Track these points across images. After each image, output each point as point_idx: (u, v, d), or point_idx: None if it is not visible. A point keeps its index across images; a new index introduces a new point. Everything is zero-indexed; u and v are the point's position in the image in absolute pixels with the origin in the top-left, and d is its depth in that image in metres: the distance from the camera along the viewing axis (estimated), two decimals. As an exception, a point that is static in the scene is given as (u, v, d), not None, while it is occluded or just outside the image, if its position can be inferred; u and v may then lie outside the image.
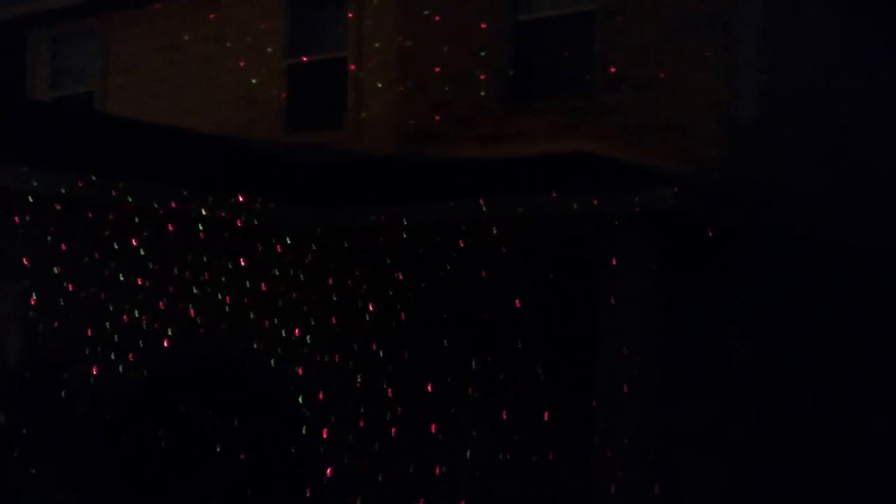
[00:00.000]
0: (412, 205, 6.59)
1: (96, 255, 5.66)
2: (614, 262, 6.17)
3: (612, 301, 6.19)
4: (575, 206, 6.13)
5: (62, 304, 5.54)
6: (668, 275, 6.06)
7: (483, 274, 7.05)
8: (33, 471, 5.07)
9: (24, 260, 5.39)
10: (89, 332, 5.68)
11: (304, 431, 6.65)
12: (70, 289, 5.56)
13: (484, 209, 6.29)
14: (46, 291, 5.48)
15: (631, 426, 6.10)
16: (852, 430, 7.33)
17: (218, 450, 5.84)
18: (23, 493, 5.08)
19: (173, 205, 5.78)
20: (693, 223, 6.12)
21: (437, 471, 7.03)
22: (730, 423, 6.08)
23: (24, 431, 5.22)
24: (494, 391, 7.05)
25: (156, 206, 5.77)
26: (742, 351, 6.11)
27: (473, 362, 7.02)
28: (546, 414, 6.73)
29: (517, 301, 6.87)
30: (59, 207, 5.51)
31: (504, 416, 6.87)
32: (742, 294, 6.26)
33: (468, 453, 7.03)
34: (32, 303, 5.40)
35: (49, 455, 5.31)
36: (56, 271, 5.50)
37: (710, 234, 6.13)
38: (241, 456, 5.93)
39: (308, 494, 6.46)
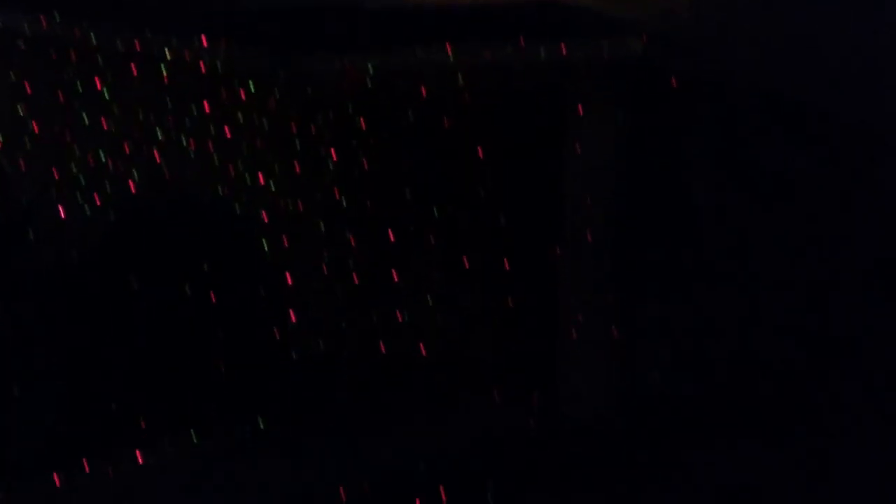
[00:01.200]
0: (377, 51, 6.47)
1: (60, 97, 5.51)
2: (580, 111, 6.15)
3: (578, 150, 6.19)
4: (543, 53, 6.06)
5: (27, 146, 5.40)
6: (633, 124, 6.05)
7: (447, 123, 7.00)
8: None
9: (-11, 100, 5.24)
10: (55, 175, 5.57)
11: (268, 277, 6.65)
12: (35, 130, 5.43)
13: (450, 56, 6.20)
14: (10, 133, 5.34)
15: (593, 273, 6.16)
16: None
17: (186, 292, 5.81)
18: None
19: (137, 46, 5.60)
20: (659, 73, 6.09)
21: (399, 317, 7.06)
22: (692, 272, 6.15)
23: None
24: (457, 240, 7.06)
25: (119, 46, 5.59)
26: (705, 200, 6.14)
27: (436, 210, 7.01)
28: (507, 262, 6.76)
29: (480, 150, 6.84)
30: (22, 47, 5.34)
31: (466, 265, 6.90)
32: (705, 144, 6.27)
33: (429, 300, 7.07)
34: (-2, 143, 5.28)
35: (17, 299, 5.24)
36: (20, 112, 5.35)
37: (675, 84, 6.11)
38: (210, 299, 5.91)
39: (276, 337, 6.49)
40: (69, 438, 5.04)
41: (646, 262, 6.28)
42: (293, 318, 6.73)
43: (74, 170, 5.58)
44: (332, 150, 6.89)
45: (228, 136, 6.28)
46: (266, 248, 6.53)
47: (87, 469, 4.91)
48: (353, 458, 5.44)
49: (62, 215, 5.53)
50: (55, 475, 4.75)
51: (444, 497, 4.93)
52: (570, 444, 5.84)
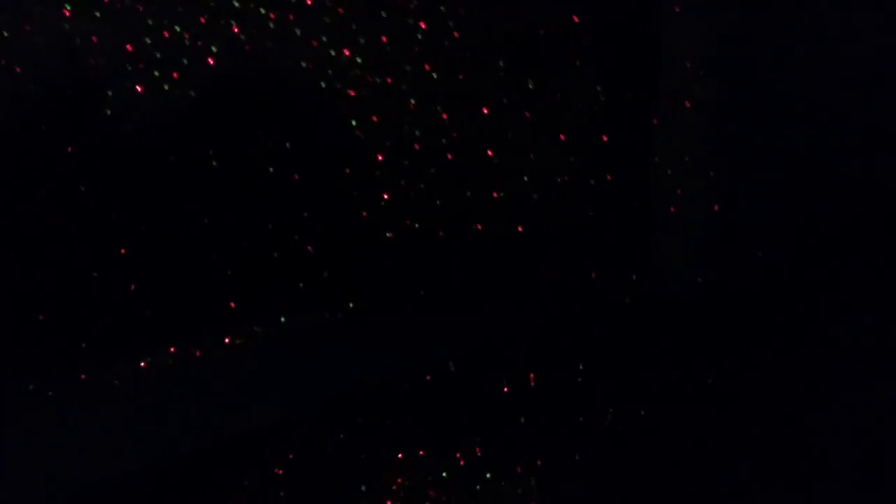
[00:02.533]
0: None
1: (131, -35, 5.25)
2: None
3: (677, 9, 5.72)
4: None
5: (98, 17, 5.16)
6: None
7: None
8: (81, 188, 4.82)
9: (56, -30, 4.99)
10: (129, 49, 5.33)
11: (358, 154, 6.37)
12: (105, 1, 5.18)
13: None
14: (79, 4, 5.10)
15: (693, 144, 5.75)
16: None
17: (271, 171, 5.57)
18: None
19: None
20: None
21: (495, 195, 6.75)
22: (809, 139, 5.65)
23: (70, 151, 4.95)
24: (552, 113, 6.69)
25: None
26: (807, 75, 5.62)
27: (530, 81, 6.62)
28: (605, 136, 6.38)
29: (574, 16, 6.41)
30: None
31: (562, 138, 6.53)
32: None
33: (525, 177, 6.73)
34: (66, 14, 5.04)
35: (96, 177, 5.05)
36: (89, -19, 5.11)
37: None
38: (295, 177, 5.66)
39: (364, 215, 6.23)
40: (151, 320, 4.90)
41: (754, 129, 5.84)
42: (385, 197, 6.47)
43: (149, 42, 5.34)
44: (421, 22, 6.53)
45: (309, 4, 5.96)
46: (354, 125, 6.25)
47: (172, 350, 4.78)
48: (442, 336, 5.21)
49: (138, 90, 5.31)
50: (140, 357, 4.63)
51: (532, 375, 4.69)
52: (667, 323, 5.52)
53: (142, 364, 4.61)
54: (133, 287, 4.82)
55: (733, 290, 5.47)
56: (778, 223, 5.62)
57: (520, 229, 6.87)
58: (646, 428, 4.52)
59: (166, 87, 5.37)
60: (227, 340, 4.86)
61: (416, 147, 7.12)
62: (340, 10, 6.19)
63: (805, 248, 5.56)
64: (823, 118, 5.66)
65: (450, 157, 7.19)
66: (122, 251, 4.87)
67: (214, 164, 5.22)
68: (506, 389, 4.58)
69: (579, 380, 4.76)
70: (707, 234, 5.55)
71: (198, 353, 4.71)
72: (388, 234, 6.57)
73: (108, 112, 5.07)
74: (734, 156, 5.55)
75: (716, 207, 5.48)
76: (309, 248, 5.36)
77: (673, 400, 4.63)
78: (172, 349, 4.66)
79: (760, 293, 5.46)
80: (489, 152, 7.20)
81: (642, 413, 4.50)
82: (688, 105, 5.45)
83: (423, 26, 6.63)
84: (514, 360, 4.97)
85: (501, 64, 6.93)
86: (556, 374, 4.84)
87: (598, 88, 6.58)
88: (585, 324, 5.33)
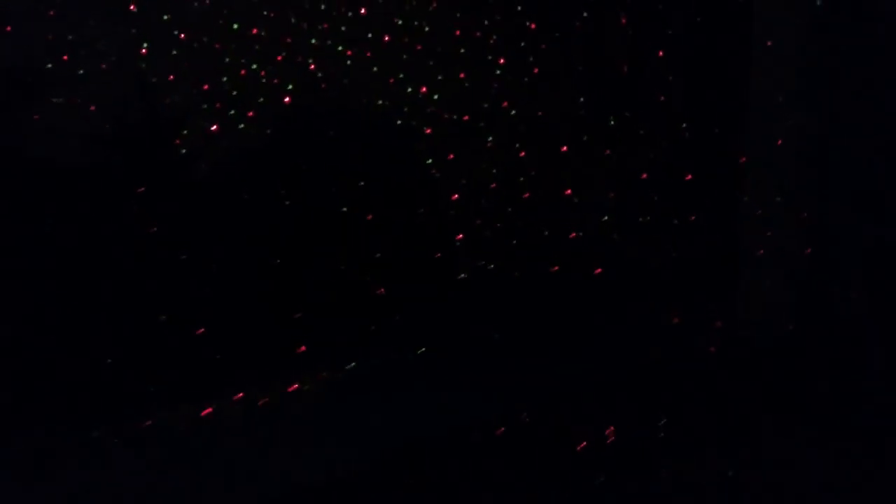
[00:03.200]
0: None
1: (206, 2, 5.16)
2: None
3: (769, 43, 5.49)
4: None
5: (174, 54, 5.08)
6: (831, 11, 5.31)
7: (623, 20, 6.38)
8: (153, 229, 4.72)
9: (131, 6, 4.92)
10: (206, 87, 5.24)
11: (434, 194, 6.22)
12: (182, 38, 5.09)
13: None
14: (157, 39, 5.02)
15: (784, 182, 5.51)
16: None
17: (344, 210, 5.44)
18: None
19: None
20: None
21: (573, 235, 6.55)
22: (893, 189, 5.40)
23: (142, 190, 4.86)
24: (634, 150, 6.48)
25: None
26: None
27: (611, 119, 6.43)
28: (689, 175, 6.16)
29: (660, 51, 6.21)
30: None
31: (644, 177, 6.32)
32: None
33: (605, 217, 6.53)
34: (143, 52, 4.96)
35: (171, 215, 4.95)
36: (165, 18, 5.03)
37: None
38: (368, 217, 5.52)
39: (437, 257, 6.07)
40: (218, 365, 4.77)
41: (847, 169, 5.57)
42: (459, 237, 6.30)
43: (225, 80, 5.24)
44: (501, 57, 6.37)
45: (387, 40, 5.84)
46: (430, 163, 6.10)
47: (240, 396, 4.64)
48: (517, 382, 5.01)
49: (213, 128, 5.21)
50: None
51: (612, 426, 4.47)
52: (752, 371, 5.26)
53: (206, 411, 4.48)
54: (201, 330, 4.70)
55: (824, 337, 5.21)
56: (871, 266, 5.35)
57: (597, 272, 6.67)
58: (733, 483, 4.29)
59: (241, 126, 5.28)
60: (294, 386, 4.72)
61: (493, 186, 6.97)
62: (419, 48, 6.06)
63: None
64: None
65: (527, 196, 7.02)
66: (193, 293, 4.76)
67: (287, 203, 5.10)
68: (583, 444, 4.37)
69: (661, 434, 4.53)
70: (797, 279, 5.30)
71: (263, 401, 4.57)
72: (461, 276, 6.40)
73: (183, 151, 4.98)
74: (827, 196, 5.30)
75: (808, 250, 5.23)
76: (381, 290, 5.21)
77: (759, 456, 4.39)
78: (240, 395, 4.53)
79: (851, 340, 5.19)
80: (568, 191, 7.02)
81: (729, 472, 4.27)
82: (779, 143, 5.22)
83: (501, 62, 6.48)
84: (591, 411, 4.75)
85: (582, 100, 6.76)
86: (636, 427, 4.61)
87: (683, 125, 6.37)
88: (667, 373, 5.10)
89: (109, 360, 4.36)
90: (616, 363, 5.35)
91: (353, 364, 4.99)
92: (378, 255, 5.42)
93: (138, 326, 4.61)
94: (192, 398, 4.39)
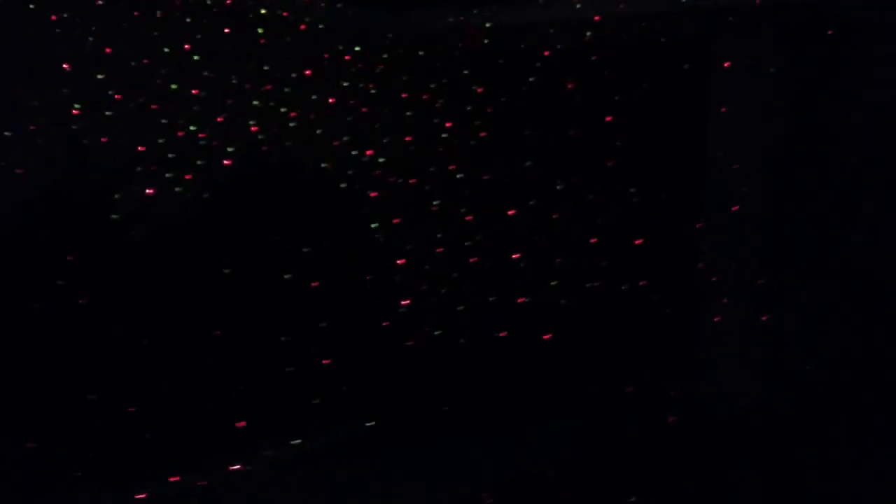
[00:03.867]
0: (496, 3, 5.75)
1: (145, 62, 4.91)
2: (727, 66, 5.33)
3: (723, 109, 5.37)
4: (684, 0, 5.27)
5: (109, 115, 4.82)
6: (787, 78, 5.20)
7: (571, 85, 6.24)
8: (83, 300, 4.42)
9: (65, 65, 4.65)
10: (141, 149, 4.97)
11: (378, 259, 5.99)
12: (117, 98, 4.83)
13: (578, 6, 5.44)
14: (90, 101, 4.75)
15: (739, 251, 5.36)
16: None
17: (287, 277, 5.18)
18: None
19: (228, 1, 4.97)
20: (818, 17, 5.21)
21: (521, 300, 6.35)
22: (856, 250, 5.27)
23: (74, 259, 4.56)
24: (583, 215, 6.31)
25: (209, 2, 4.96)
26: (872, 166, 5.25)
27: (560, 184, 6.27)
28: (640, 240, 6.00)
29: (608, 116, 6.07)
30: (100, 3, 4.73)
31: (594, 241, 6.15)
32: (879, 101, 5.35)
33: (554, 282, 6.34)
34: (75, 113, 4.69)
35: (104, 282, 4.66)
36: (100, 77, 4.76)
37: (831, 33, 5.26)
38: (313, 284, 5.27)
39: (385, 325, 5.82)
40: (157, 445, 4.45)
41: (801, 237, 5.45)
42: (405, 303, 6.07)
43: (162, 142, 4.98)
44: (447, 120, 6.19)
45: (332, 103, 5.63)
46: (375, 228, 5.88)
47: (175, 480, 4.33)
48: (467, 460, 4.76)
49: (149, 192, 4.94)
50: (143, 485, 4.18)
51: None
52: (713, 442, 5.07)
53: (140, 496, 4.17)
54: (136, 409, 4.40)
55: (783, 408, 5.04)
56: (828, 337, 5.21)
57: (546, 337, 6.46)
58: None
59: (179, 189, 5.02)
60: (234, 467, 4.42)
61: (439, 250, 6.76)
62: (364, 110, 5.86)
63: (856, 363, 5.15)
64: (878, 228, 5.28)
65: (474, 260, 6.82)
66: (124, 367, 4.46)
67: (227, 270, 4.83)
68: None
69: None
70: (755, 347, 5.14)
71: (201, 483, 4.26)
72: (407, 343, 6.16)
73: (116, 216, 4.70)
74: (784, 264, 5.17)
75: (763, 318, 5.07)
76: (325, 360, 4.95)
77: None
78: (176, 478, 4.22)
79: (810, 412, 5.03)
80: (515, 255, 6.83)
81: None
82: (735, 209, 5.08)
83: (448, 126, 6.30)
84: (550, 485, 4.52)
85: (529, 164, 6.60)
86: (595, 498, 4.39)
87: (632, 190, 6.23)
88: (620, 445, 4.88)
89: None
90: (569, 434, 5.13)
91: (298, 441, 4.71)
92: (322, 324, 5.17)
93: (67, 403, 4.30)
94: (119, 481, 4.09)
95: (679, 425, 4.87)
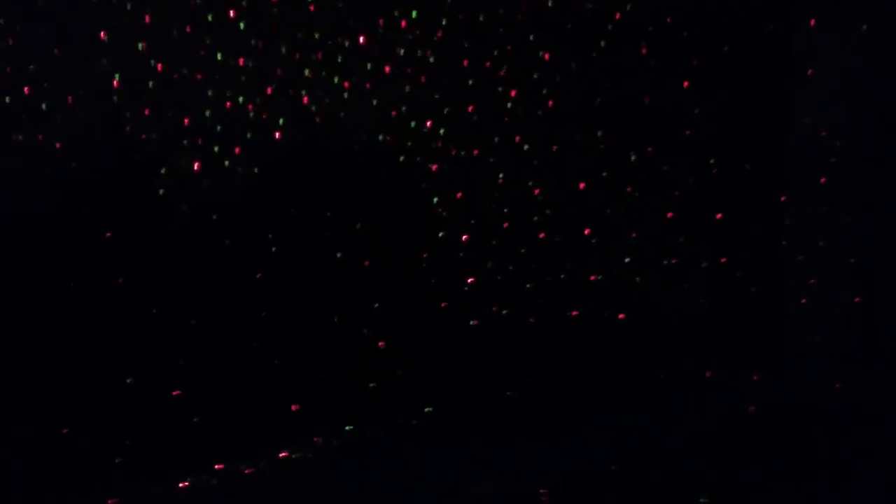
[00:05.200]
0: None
1: (187, 30, 4.66)
2: (812, 24, 4.94)
3: (809, 72, 4.97)
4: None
5: (151, 87, 4.59)
6: (880, 36, 4.79)
7: (644, 50, 5.89)
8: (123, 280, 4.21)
9: (101, 34, 4.42)
10: (186, 122, 4.74)
11: (440, 235, 5.71)
12: (159, 69, 4.60)
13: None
14: (131, 73, 4.53)
15: (829, 227, 4.97)
16: None
17: (339, 256, 4.93)
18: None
19: (277, -33, 4.70)
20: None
21: (593, 278, 6.03)
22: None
23: (114, 236, 4.35)
24: (658, 188, 5.96)
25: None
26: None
27: (633, 154, 5.92)
28: (720, 214, 5.64)
29: (685, 82, 5.71)
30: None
31: (669, 216, 5.80)
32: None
33: (626, 259, 6.01)
34: (115, 86, 4.46)
35: (147, 260, 4.44)
36: (140, 48, 4.53)
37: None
38: (366, 263, 5.01)
39: (444, 305, 5.55)
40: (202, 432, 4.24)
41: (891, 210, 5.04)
42: (469, 281, 5.78)
43: (208, 115, 4.74)
44: (512, 89, 5.87)
45: (388, 72, 5.34)
46: (436, 202, 5.59)
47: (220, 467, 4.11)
48: (530, 452, 4.47)
49: (195, 168, 4.71)
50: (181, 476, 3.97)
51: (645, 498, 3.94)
52: (797, 434, 4.70)
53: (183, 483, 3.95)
54: (176, 392, 4.18)
55: (875, 395, 4.66)
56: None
57: (620, 317, 6.15)
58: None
59: (226, 164, 4.77)
60: (284, 454, 4.18)
61: (506, 226, 6.46)
62: (423, 79, 5.56)
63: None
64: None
65: (542, 236, 6.50)
66: (171, 351, 4.24)
67: (278, 250, 4.59)
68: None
69: None
70: (846, 331, 4.75)
71: (249, 471, 4.03)
72: (472, 322, 5.88)
73: (161, 192, 4.48)
74: (877, 239, 4.77)
75: (857, 299, 4.69)
76: (380, 343, 4.68)
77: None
78: (220, 465, 3.99)
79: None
80: (587, 231, 6.50)
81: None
82: (823, 181, 4.69)
83: (513, 95, 5.98)
84: (607, 484, 4.21)
85: (600, 135, 6.25)
86: (665, 497, 4.08)
87: (711, 161, 5.86)
88: (698, 434, 4.54)
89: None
90: (643, 422, 4.81)
91: (350, 427, 4.46)
92: (377, 305, 4.90)
93: (111, 383, 4.10)
94: (171, 470, 3.87)
95: (760, 416, 4.52)
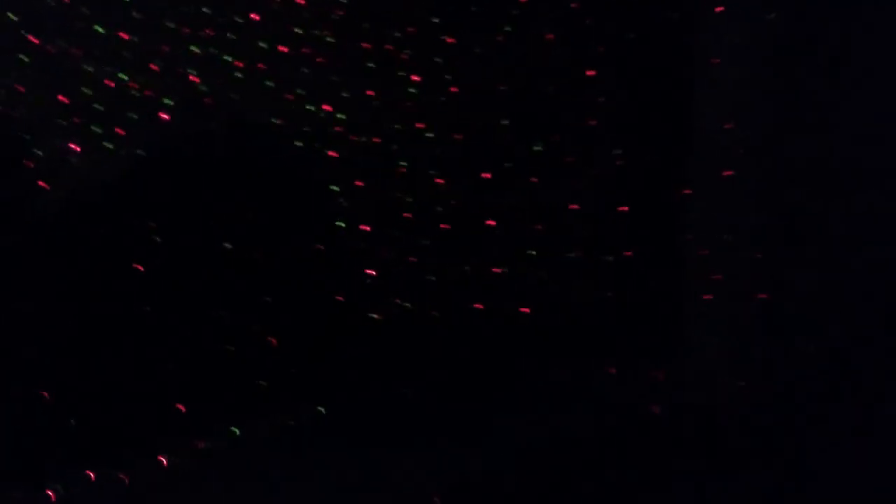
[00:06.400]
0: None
1: (64, 0, 4.39)
2: (718, 11, 4.82)
3: (715, 61, 4.87)
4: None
5: (26, 61, 4.30)
6: (787, 26, 4.70)
7: (550, 35, 5.74)
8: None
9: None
10: (65, 100, 4.46)
11: (338, 225, 5.51)
12: (35, 42, 4.32)
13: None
14: (2, 45, 4.24)
15: (731, 219, 4.89)
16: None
17: (229, 248, 4.69)
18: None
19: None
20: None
21: (497, 270, 5.88)
22: (861, 224, 4.79)
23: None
24: (561, 177, 5.84)
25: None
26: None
27: (536, 145, 5.78)
28: (627, 207, 5.53)
29: (588, 70, 5.59)
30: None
31: (574, 207, 5.68)
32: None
33: (531, 251, 5.87)
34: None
35: (16, 246, 4.17)
36: (13, 18, 4.25)
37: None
38: (257, 255, 4.78)
39: (341, 299, 5.34)
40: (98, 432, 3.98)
41: (802, 207, 4.96)
42: (371, 273, 5.59)
43: (89, 94, 4.47)
44: (413, 74, 5.69)
45: (285, 51, 5.11)
46: (336, 191, 5.39)
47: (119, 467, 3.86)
48: (426, 454, 4.29)
49: (75, 149, 4.44)
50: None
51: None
52: (699, 434, 4.59)
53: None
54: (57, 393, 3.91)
55: (780, 396, 4.57)
56: (830, 313, 4.73)
57: (524, 311, 6.02)
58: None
59: (109, 146, 4.50)
60: (161, 459, 3.94)
61: (407, 216, 6.28)
62: (320, 60, 5.34)
63: (862, 341, 4.68)
64: (883, 188, 4.79)
65: (445, 227, 6.35)
66: (32, 352, 3.98)
67: (160, 240, 4.34)
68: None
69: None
70: (749, 328, 4.66)
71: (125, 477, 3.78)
72: (373, 316, 5.69)
73: (34, 176, 4.20)
74: (784, 233, 4.68)
75: (762, 296, 4.60)
76: (272, 340, 4.46)
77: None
78: (91, 472, 3.74)
79: (809, 399, 4.56)
80: (490, 222, 6.36)
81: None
82: (727, 174, 4.59)
83: (415, 79, 5.80)
84: (518, 477, 4.06)
85: (505, 123, 6.12)
86: (571, 495, 3.94)
87: (616, 152, 5.75)
88: (600, 436, 4.41)
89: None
90: (547, 421, 4.66)
91: (236, 430, 4.23)
92: (270, 299, 4.68)
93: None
94: (34, 477, 3.61)
95: (662, 415, 4.40)
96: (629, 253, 5.38)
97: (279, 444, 4.21)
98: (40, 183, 4.23)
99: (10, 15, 4.13)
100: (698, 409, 4.52)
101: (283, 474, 3.95)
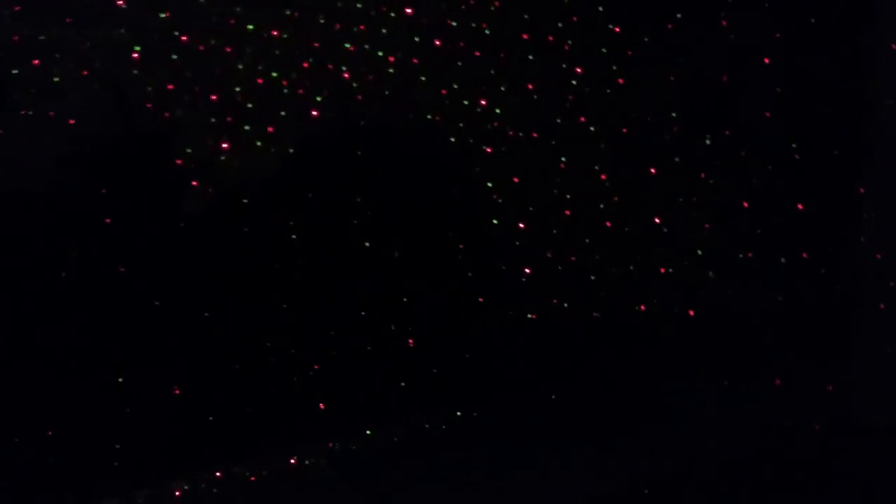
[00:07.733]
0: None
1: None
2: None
3: (894, 46, 4.54)
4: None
5: (174, 59, 4.35)
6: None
7: (724, 23, 5.49)
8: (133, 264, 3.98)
9: (119, 1, 4.19)
10: (214, 98, 4.49)
11: (494, 223, 5.40)
12: (183, 40, 4.36)
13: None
14: (151, 43, 4.29)
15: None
16: None
17: (383, 245, 4.64)
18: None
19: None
20: None
21: (662, 270, 5.67)
22: None
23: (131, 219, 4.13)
24: (731, 175, 5.58)
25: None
26: None
27: (707, 138, 5.54)
28: (800, 204, 5.24)
29: (766, 59, 5.32)
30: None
31: (745, 206, 5.42)
32: None
33: (699, 251, 5.64)
34: (134, 57, 4.23)
35: (160, 242, 4.21)
36: (163, 16, 4.29)
37: None
38: (418, 255, 4.72)
39: (499, 294, 5.23)
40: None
41: None
42: (527, 271, 5.46)
43: (238, 90, 4.48)
44: (576, 66, 5.53)
45: (438, 45, 5.03)
46: (491, 187, 5.28)
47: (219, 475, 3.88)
48: (573, 460, 4.15)
49: (223, 147, 4.46)
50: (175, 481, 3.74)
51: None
52: (865, 456, 4.27)
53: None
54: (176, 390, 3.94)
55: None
56: None
57: (690, 313, 5.79)
58: None
59: (258, 144, 4.52)
60: (292, 461, 3.92)
61: (567, 213, 6.12)
62: (477, 54, 5.23)
63: None
64: None
65: (608, 225, 6.16)
66: (183, 350, 4.01)
67: (312, 239, 4.31)
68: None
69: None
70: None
71: (253, 478, 3.77)
72: (529, 316, 5.56)
73: (183, 176, 4.24)
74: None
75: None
76: (410, 341, 4.39)
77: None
78: (220, 473, 3.75)
79: None
80: (657, 220, 6.14)
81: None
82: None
83: (578, 72, 5.63)
84: (667, 496, 3.88)
85: (674, 116, 5.89)
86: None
87: (793, 146, 5.47)
88: (759, 452, 4.17)
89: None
90: (704, 435, 4.46)
91: (369, 432, 4.18)
92: (424, 299, 4.62)
93: (103, 381, 3.89)
94: (165, 476, 3.64)
95: (825, 435, 4.13)
96: (805, 255, 5.11)
97: (413, 448, 4.15)
98: (192, 182, 4.26)
99: (160, 14, 4.17)
100: (870, 429, 4.24)
101: (417, 479, 3.88)
